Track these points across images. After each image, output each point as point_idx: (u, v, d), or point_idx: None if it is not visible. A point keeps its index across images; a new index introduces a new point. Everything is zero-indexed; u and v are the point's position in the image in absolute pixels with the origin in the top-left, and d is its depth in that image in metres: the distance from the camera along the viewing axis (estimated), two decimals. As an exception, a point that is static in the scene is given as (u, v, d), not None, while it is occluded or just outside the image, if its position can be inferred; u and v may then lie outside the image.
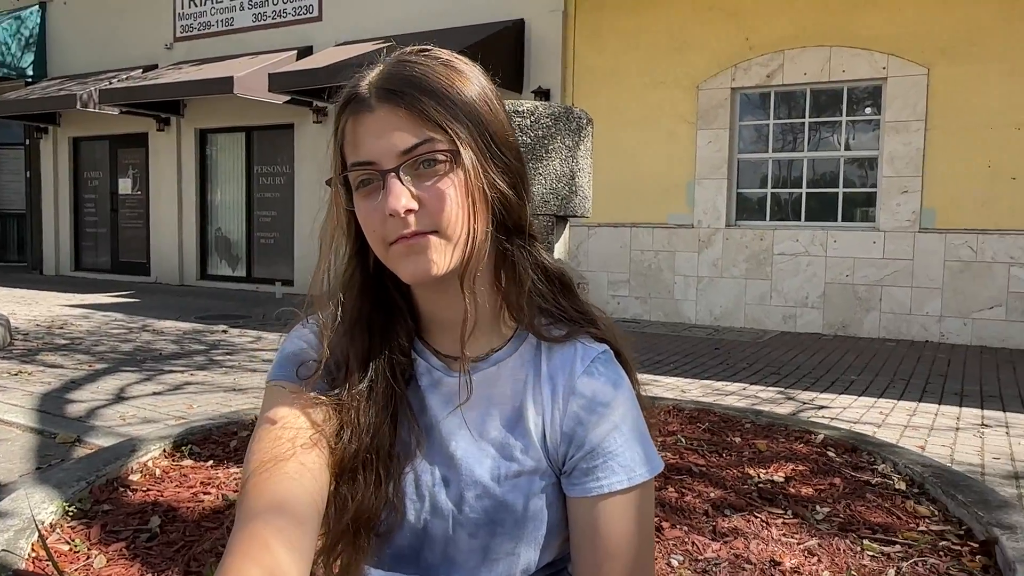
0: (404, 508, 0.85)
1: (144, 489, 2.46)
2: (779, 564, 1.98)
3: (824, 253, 7.47)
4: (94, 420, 3.86)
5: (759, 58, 7.65)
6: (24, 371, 4.96)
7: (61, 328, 6.93)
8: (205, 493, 2.43)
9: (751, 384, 5.06)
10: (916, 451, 3.19)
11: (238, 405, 4.15)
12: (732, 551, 2.06)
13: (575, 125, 2.59)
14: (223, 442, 2.96)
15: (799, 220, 7.73)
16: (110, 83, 11.26)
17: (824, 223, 7.59)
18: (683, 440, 3.04)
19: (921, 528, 2.25)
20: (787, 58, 7.53)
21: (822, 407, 4.43)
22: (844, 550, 2.08)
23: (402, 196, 0.76)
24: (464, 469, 0.85)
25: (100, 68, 12.36)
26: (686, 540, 2.11)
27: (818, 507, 2.38)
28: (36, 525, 1.90)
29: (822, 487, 2.57)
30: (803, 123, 7.68)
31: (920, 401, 4.63)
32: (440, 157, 0.77)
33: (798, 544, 2.11)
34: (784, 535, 2.17)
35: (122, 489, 2.45)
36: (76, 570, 1.92)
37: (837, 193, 7.56)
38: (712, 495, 2.44)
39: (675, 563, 1.98)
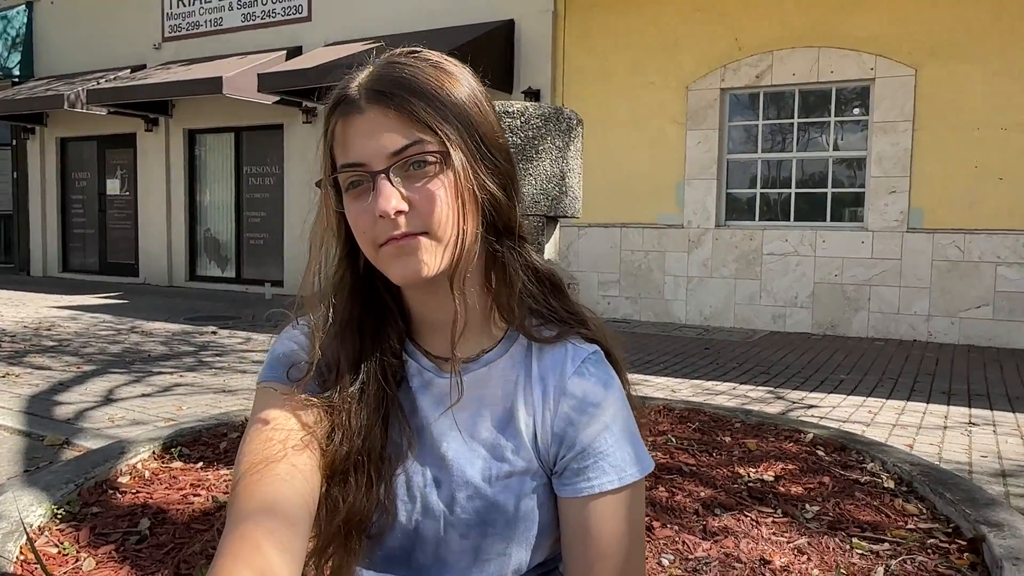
0: (395, 509, 0.85)
1: (133, 491, 2.45)
2: (769, 563, 1.99)
3: (813, 253, 7.51)
4: (82, 422, 3.84)
5: (748, 59, 7.68)
6: (11, 373, 4.92)
7: (49, 330, 6.88)
8: (195, 495, 2.42)
9: (741, 384, 5.08)
10: (904, 450, 3.21)
11: (228, 406, 4.14)
12: (722, 550, 2.07)
13: (565, 126, 2.60)
14: (213, 444, 2.95)
15: (788, 220, 7.77)
16: (98, 83, 11.20)
17: (813, 223, 7.63)
18: (673, 440, 3.05)
19: (909, 526, 2.27)
20: (776, 59, 7.56)
21: (811, 406, 4.45)
22: (833, 548, 2.09)
23: (392, 197, 0.76)
24: (455, 470, 0.85)
25: (88, 68, 12.29)
26: (676, 539, 2.12)
27: (807, 506, 2.39)
28: (24, 528, 1.89)
29: (811, 486, 2.58)
30: (792, 123, 7.71)
31: (908, 400, 4.66)
32: (430, 158, 0.77)
33: (788, 543, 2.12)
34: (774, 534, 2.18)
35: (111, 491, 2.43)
36: (65, 573, 1.91)
37: (826, 193, 7.60)
38: (702, 494, 2.45)
39: (666, 562, 1.99)
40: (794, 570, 1.96)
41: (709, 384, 5.05)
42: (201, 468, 2.68)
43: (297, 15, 10.45)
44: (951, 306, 7.01)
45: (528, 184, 2.52)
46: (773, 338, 7.19)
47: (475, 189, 0.79)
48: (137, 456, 2.72)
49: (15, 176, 13.75)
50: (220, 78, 9.48)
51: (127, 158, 12.35)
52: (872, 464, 2.81)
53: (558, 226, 2.88)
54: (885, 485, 2.60)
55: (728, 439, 3.11)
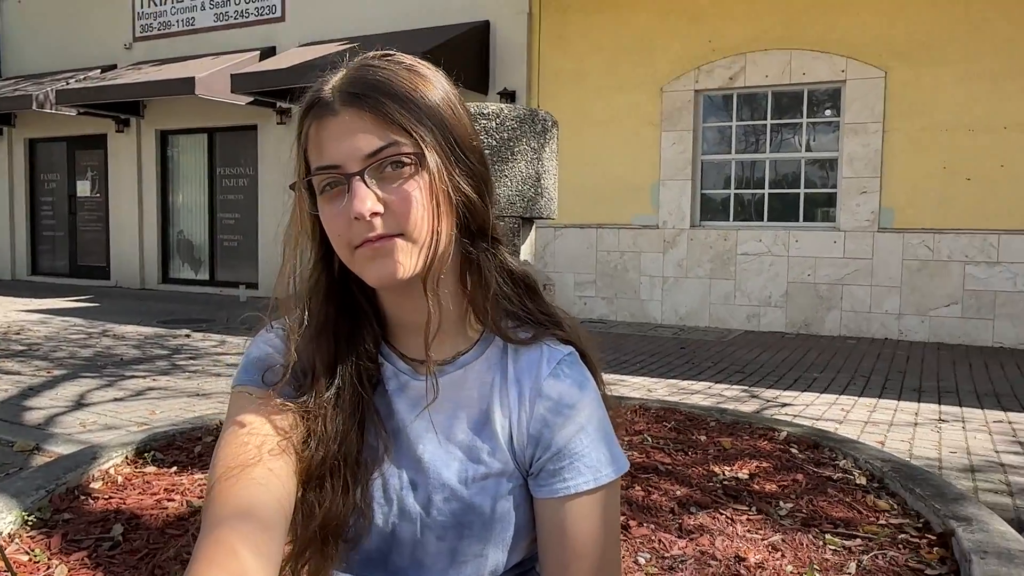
0: (372, 513, 0.85)
1: (106, 497, 2.42)
2: (744, 560, 2.01)
3: (786, 253, 7.59)
4: (53, 427, 3.79)
5: (722, 60, 7.75)
6: (-21, 378, 4.84)
7: (18, 334, 6.77)
8: (169, 500, 2.40)
9: (716, 383, 5.12)
10: (876, 447, 3.26)
11: (202, 410, 4.10)
12: (698, 548, 2.08)
13: (540, 127, 2.60)
14: (187, 448, 2.92)
15: (762, 220, 7.85)
16: (67, 83, 11.03)
17: (786, 223, 7.71)
18: (649, 439, 3.07)
19: (881, 522, 2.30)
20: (749, 60, 7.63)
21: (785, 404, 4.50)
22: (807, 545, 2.12)
23: (367, 199, 0.76)
24: (432, 472, 0.85)
25: (57, 68, 12.10)
26: (653, 538, 2.13)
27: (781, 503, 2.42)
28: (-6, 536, 1.86)
29: (785, 483, 2.61)
30: (765, 125, 7.79)
31: (880, 397, 4.72)
32: (406, 160, 0.77)
33: (762, 540, 2.14)
34: (749, 531, 2.20)
35: (83, 497, 2.40)
36: (36, 581, 1.88)
37: (798, 194, 7.69)
38: (678, 493, 2.47)
39: (642, 561, 2.00)
40: (768, 567, 1.99)
41: (685, 383, 5.08)
42: (175, 473, 2.65)
43: (271, 15, 10.37)
44: (921, 304, 7.12)
45: (503, 185, 2.52)
46: (747, 337, 7.26)
47: (450, 191, 0.79)
48: (110, 461, 2.69)
49: (-18, 178, 13.50)
50: (192, 79, 9.38)
51: (98, 159, 12.17)
52: (844, 461, 2.85)
53: (534, 227, 2.89)
54: (857, 482, 2.64)
55: (703, 438, 3.14)
